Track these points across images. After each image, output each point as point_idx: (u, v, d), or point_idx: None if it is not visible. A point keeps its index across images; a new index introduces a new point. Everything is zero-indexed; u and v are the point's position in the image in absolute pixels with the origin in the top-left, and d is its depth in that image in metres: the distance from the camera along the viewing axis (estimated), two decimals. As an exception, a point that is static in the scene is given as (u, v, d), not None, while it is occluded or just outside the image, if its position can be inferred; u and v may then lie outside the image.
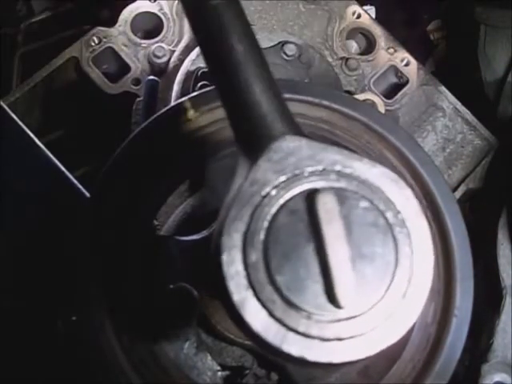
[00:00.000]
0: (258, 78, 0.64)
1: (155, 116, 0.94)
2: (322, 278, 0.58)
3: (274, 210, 0.60)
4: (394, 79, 1.34)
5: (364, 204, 0.61)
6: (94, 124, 1.35)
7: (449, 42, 1.65)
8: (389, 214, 0.61)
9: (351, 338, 0.58)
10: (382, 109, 1.24)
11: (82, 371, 0.94)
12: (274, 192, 0.61)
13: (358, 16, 1.33)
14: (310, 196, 0.60)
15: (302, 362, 0.58)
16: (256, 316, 0.58)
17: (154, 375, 0.85)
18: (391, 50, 1.32)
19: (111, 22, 1.31)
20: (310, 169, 0.61)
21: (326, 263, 0.58)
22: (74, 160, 1.14)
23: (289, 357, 0.58)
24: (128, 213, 0.88)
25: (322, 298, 0.58)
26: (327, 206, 0.59)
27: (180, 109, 0.93)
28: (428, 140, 1.29)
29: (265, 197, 0.60)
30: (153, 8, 1.31)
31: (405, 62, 1.32)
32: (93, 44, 1.28)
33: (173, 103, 1.00)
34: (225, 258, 0.59)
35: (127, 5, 1.32)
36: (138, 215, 0.90)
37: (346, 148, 0.94)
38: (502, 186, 1.21)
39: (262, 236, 0.59)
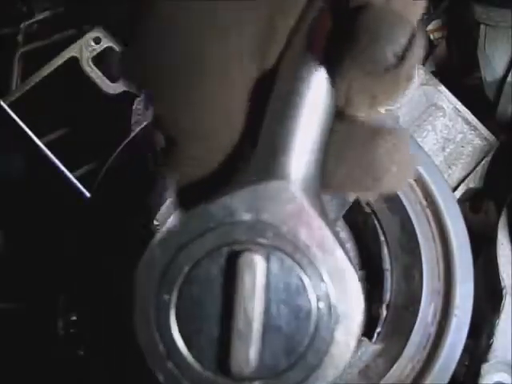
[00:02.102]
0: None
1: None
2: (221, 341, 0.53)
3: (214, 244, 0.54)
4: (394, 79, 1.34)
5: (294, 280, 0.53)
6: (93, 124, 1.34)
7: (449, 42, 1.65)
8: (321, 299, 0.53)
9: None
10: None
11: (82, 371, 0.94)
12: (229, 228, 0.53)
13: (358, 16, 1.33)
14: (241, 249, 0.53)
15: None
16: (147, 336, 0.54)
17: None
18: (391, 50, 1.32)
19: (111, 21, 1.31)
20: (270, 221, 0.53)
21: (229, 326, 0.52)
22: (74, 160, 1.14)
23: None
24: (128, 212, 0.88)
25: (215, 362, 0.53)
26: (252, 267, 0.52)
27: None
28: (428, 140, 1.29)
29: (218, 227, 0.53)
30: (153, 8, 1.31)
31: (405, 62, 1.31)
32: (93, 44, 1.28)
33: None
34: (141, 268, 0.56)
35: (127, 5, 1.32)
36: (138, 215, 0.90)
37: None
38: (502, 185, 1.21)
39: (185, 269, 0.54)
